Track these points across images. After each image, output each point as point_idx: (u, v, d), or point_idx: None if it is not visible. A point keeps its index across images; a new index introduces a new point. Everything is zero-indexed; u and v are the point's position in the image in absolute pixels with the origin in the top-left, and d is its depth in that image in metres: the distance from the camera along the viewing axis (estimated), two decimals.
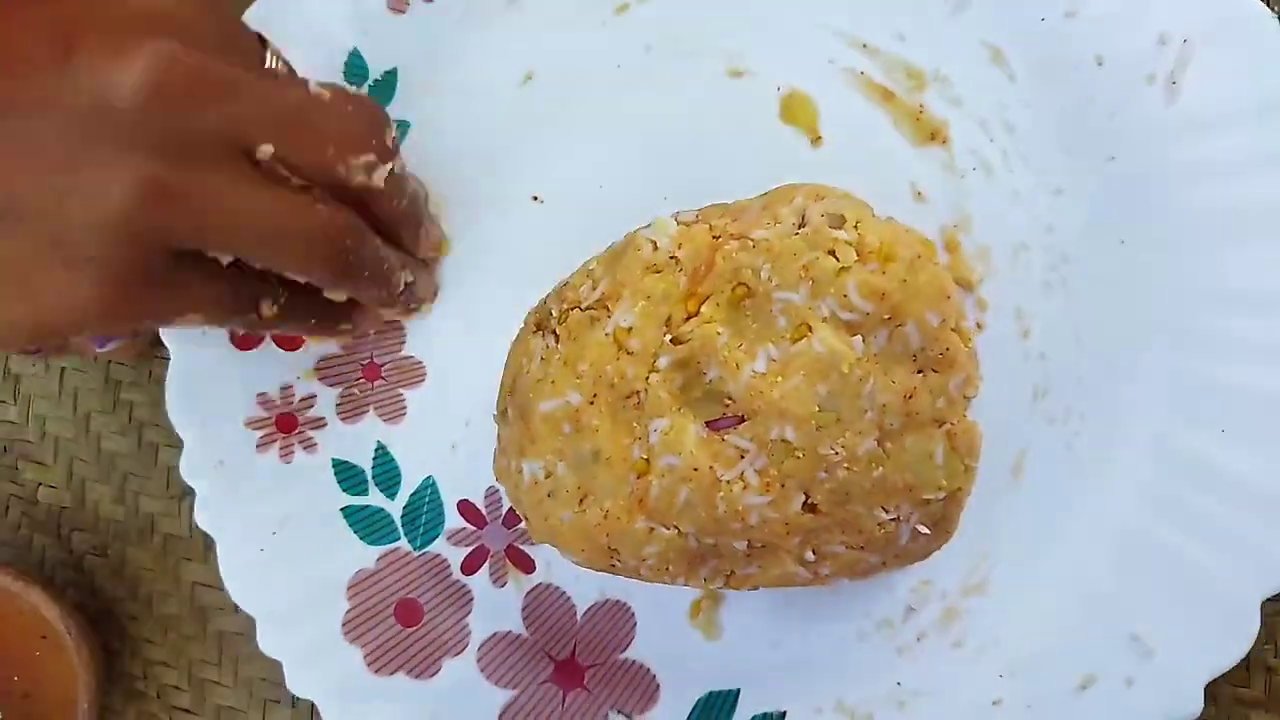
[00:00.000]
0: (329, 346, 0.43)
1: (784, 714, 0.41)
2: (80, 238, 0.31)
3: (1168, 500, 0.39)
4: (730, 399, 0.34)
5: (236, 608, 0.42)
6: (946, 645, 0.40)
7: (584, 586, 0.42)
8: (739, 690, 0.41)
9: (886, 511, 0.34)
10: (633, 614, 0.42)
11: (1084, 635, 0.39)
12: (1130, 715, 0.38)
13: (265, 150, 0.33)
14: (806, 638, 0.41)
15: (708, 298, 0.35)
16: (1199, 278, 0.39)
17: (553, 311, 0.36)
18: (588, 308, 0.35)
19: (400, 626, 0.42)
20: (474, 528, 0.43)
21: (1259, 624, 0.37)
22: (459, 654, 0.42)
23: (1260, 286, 0.38)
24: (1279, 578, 0.37)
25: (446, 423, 0.43)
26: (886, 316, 0.34)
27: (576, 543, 0.36)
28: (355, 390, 0.43)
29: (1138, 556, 0.39)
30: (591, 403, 0.35)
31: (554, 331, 0.36)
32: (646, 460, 0.35)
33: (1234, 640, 0.37)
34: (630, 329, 0.35)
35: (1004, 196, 0.41)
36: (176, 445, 0.42)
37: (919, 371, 0.34)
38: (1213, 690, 0.37)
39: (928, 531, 0.35)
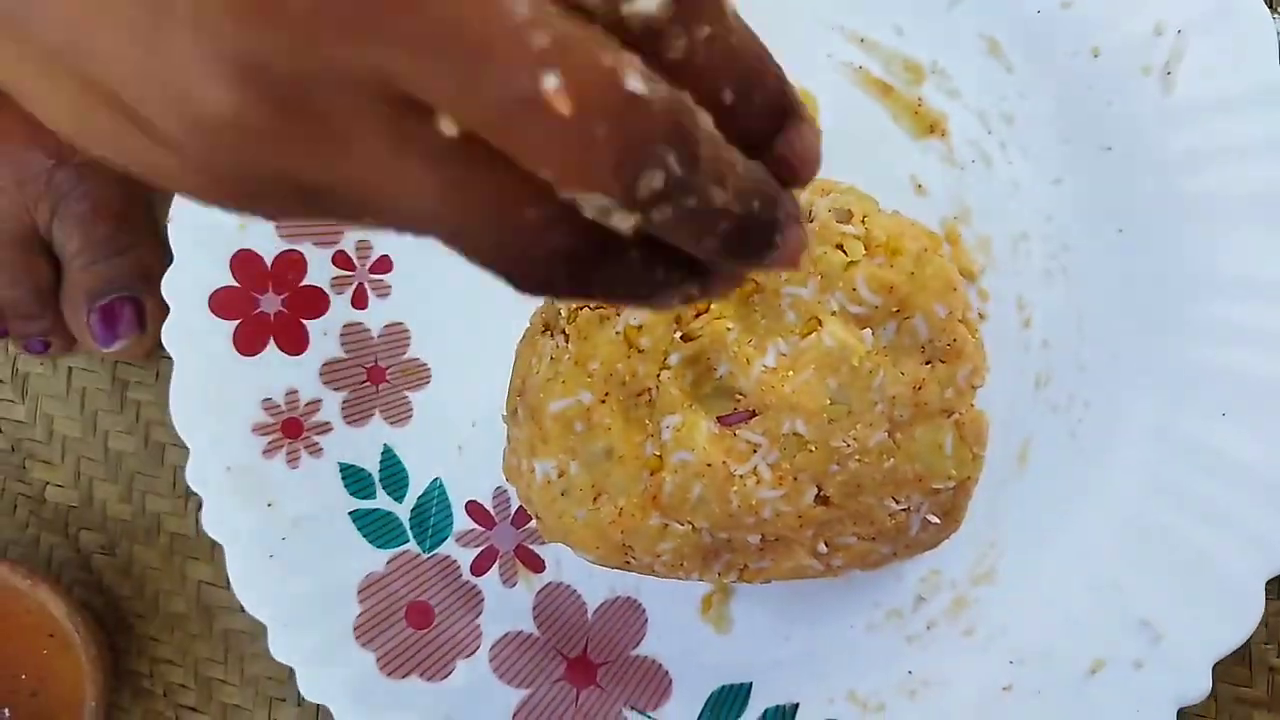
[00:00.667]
0: (334, 351, 0.43)
1: (796, 706, 0.41)
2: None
3: (1171, 485, 0.39)
4: (741, 394, 0.35)
5: (244, 607, 0.42)
6: (956, 634, 0.41)
7: (594, 584, 0.43)
8: (751, 683, 0.42)
9: (897, 502, 0.35)
10: (644, 610, 0.42)
11: (1092, 620, 0.39)
12: (1139, 697, 0.38)
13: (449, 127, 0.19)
14: (817, 629, 0.41)
15: None
16: (1198, 264, 0.39)
17: (561, 311, 0.36)
18: (596, 306, 0.35)
19: (412, 629, 0.42)
20: (483, 528, 0.43)
21: (1263, 605, 0.38)
22: (471, 655, 0.42)
23: (1258, 272, 0.39)
24: None
25: (452, 424, 0.43)
26: (895, 309, 0.34)
27: (591, 541, 0.36)
28: (360, 394, 0.43)
29: (1143, 541, 0.39)
30: (603, 401, 0.35)
31: (563, 331, 0.36)
32: (659, 457, 0.35)
33: (1239, 621, 0.38)
34: (640, 327, 0.35)
35: (1003, 187, 0.41)
36: (183, 445, 0.42)
37: (927, 363, 0.35)
38: (1215, 690, 0.38)
39: (937, 521, 0.35)
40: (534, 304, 0.38)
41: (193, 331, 0.42)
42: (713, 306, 0.35)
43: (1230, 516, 0.38)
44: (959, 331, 0.35)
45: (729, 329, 0.35)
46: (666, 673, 0.42)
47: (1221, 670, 0.38)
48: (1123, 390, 0.40)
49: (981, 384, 0.35)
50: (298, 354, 0.43)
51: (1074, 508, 0.40)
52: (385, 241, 0.43)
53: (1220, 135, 0.39)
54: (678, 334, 0.35)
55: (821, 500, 0.35)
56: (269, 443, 0.42)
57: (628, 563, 0.36)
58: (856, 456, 0.34)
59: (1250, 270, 0.39)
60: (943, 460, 0.35)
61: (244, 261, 0.42)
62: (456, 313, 0.43)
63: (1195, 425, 0.39)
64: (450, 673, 0.42)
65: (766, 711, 0.41)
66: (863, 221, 0.35)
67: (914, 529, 0.36)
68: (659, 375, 0.35)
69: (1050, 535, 0.40)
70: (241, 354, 0.42)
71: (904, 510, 0.35)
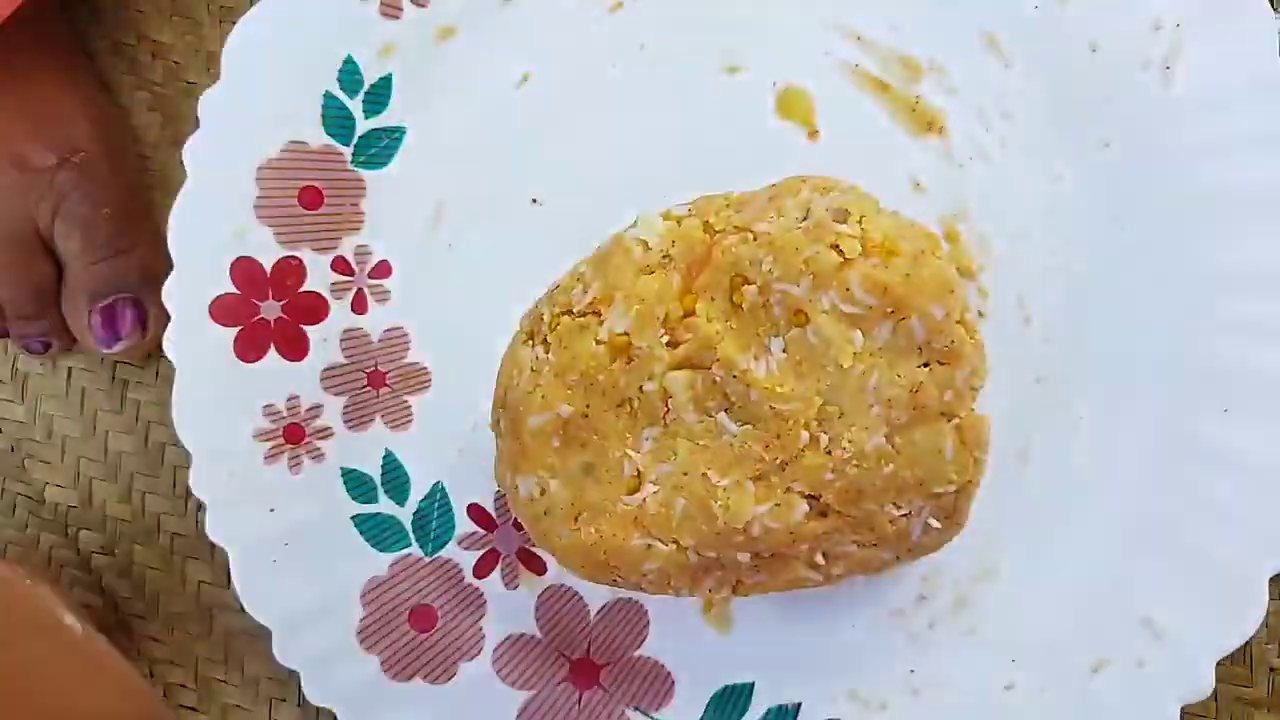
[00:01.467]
0: (334, 356, 0.43)
1: (798, 705, 0.41)
2: None
3: (1173, 481, 0.39)
4: (731, 400, 0.34)
5: (243, 608, 0.42)
6: (959, 632, 0.41)
7: (596, 586, 0.42)
8: (753, 683, 0.42)
9: (898, 507, 0.35)
10: (645, 611, 0.42)
11: (1094, 618, 0.39)
12: (1142, 695, 0.38)
13: None
14: (819, 628, 0.41)
15: (704, 292, 0.34)
16: (1197, 259, 0.39)
17: (544, 316, 0.36)
18: (579, 313, 0.35)
19: (415, 632, 0.42)
20: (484, 531, 0.43)
21: (1267, 603, 0.37)
22: (474, 657, 0.42)
23: (1258, 266, 0.39)
24: None
25: (453, 428, 0.43)
26: (890, 310, 0.34)
27: (575, 560, 0.35)
28: (361, 399, 0.43)
29: (1145, 538, 0.39)
30: (585, 415, 0.35)
31: (544, 340, 0.35)
32: (640, 473, 0.35)
33: (1242, 618, 0.38)
34: (623, 334, 0.34)
35: (1002, 184, 0.41)
36: (183, 445, 0.42)
37: (925, 365, 0.34)
38: (1215, 689, 0.38)
39: (939, 525, 0.35)
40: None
41: (194, 339, 0.42)
42: (699, 308, 0.34)
43: (1233, 513, 0.38)
44: (957, 333, 0.34)
45: (717, 332, 0.34)
46: (669, 673, 0.42)
47: (1221, 670, 0.38)
48: (1124, 386, 0.40)
49: (981, 386, 0.35)
50: (298, 360, 0.43)
51: (1076, 505, 0.40)
52: (384, 246, 0.43)
53: (1220, 130, 0.39)
54: (664, 338, 0.34)
55: (819, 511, 0.34)
56: (271, 448, 0.42)
57: (615, 581, 0.36)
58: (854, 462, 0.34)
59: (1249, 264, 0.39)
60: (943, 465, 0.34)
61: (243, 268, 0.42)
62: (456, 317, 0.43)
63: (1197, 421, 0.39)
64: (454, 675, 0.42)
65: (769, 711, 0.41)
66: (860, 221, 0.34)
67: (915, 534, 0.35)
68: (641, 386, 0.34)
69: (1052, 533, 0.40)
70: (242, 361, 0.42)
71: (905, 515, 0.35)
